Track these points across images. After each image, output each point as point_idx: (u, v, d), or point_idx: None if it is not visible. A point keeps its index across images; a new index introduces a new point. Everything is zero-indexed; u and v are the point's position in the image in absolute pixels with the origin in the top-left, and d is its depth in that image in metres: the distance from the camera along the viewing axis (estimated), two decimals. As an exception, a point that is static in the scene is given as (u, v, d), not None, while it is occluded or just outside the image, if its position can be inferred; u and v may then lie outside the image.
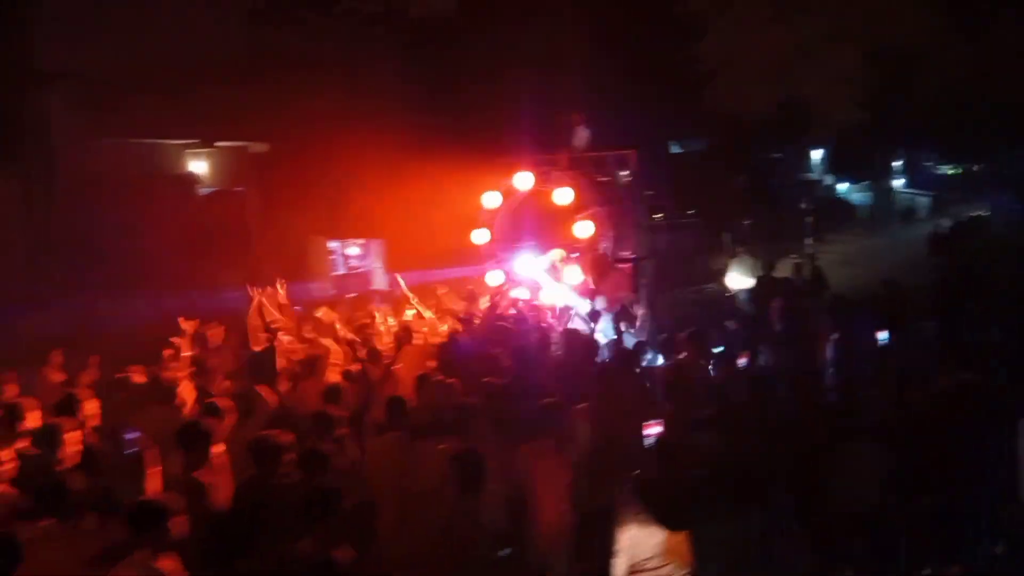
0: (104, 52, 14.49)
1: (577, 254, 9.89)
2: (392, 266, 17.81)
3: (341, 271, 18.49)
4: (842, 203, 30.86)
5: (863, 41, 13.95)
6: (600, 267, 9.39)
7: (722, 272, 11.68)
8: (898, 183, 33.34)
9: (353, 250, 19.08)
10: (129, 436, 4.11)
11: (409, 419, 4.48)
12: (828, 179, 33.85)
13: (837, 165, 33.00)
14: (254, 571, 3.11)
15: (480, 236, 10.29)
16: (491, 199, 10.19)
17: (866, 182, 34.03)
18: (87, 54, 14.37)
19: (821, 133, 24.46)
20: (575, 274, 9.70)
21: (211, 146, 16.99)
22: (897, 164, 32.51)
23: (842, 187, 34.81)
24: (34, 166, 14.56)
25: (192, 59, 15.59)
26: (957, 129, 18.08)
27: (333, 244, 18.27)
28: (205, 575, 3.04)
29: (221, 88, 15.82)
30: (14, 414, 4.70)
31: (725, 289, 11.20)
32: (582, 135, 10.98)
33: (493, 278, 9.95)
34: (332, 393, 5.06)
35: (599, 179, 10.22)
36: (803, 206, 24.65)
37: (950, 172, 30.09)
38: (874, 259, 15.95)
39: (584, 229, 9.69)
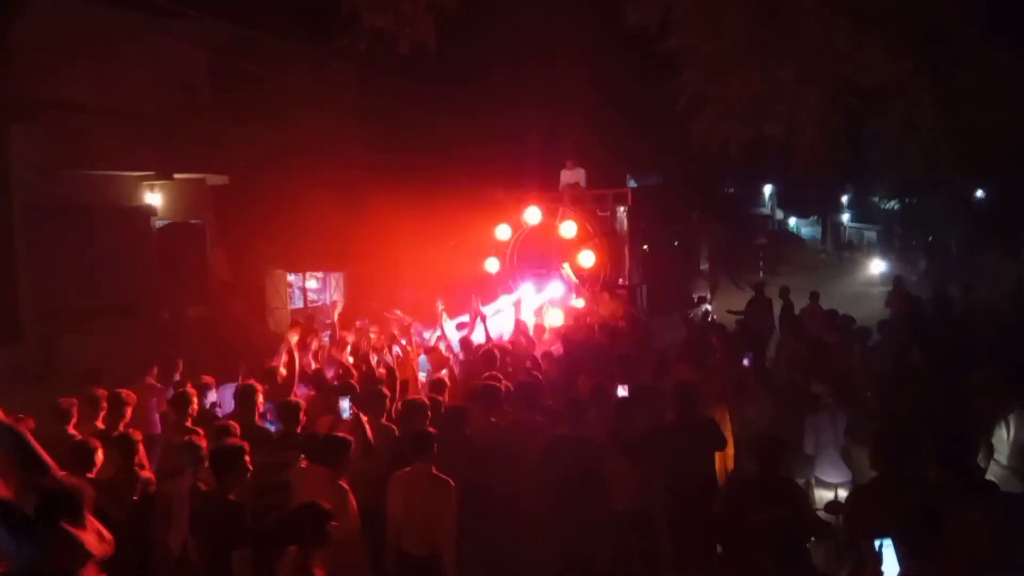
0: (63, 82, 15.06)
1: (578, 281, 11.87)
2: (352, 298, 19.10)
3: (299, 304, 19.62)
4: (793, 236, 34.19)
5: (828, 84, 16.27)
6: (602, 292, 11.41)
7: (703, 297, 13.98)
8: (845, 217, 36.97)
9: (312, 283, 20.28)
10: (345, 404, 6.13)
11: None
12: (779, 213, 37.28)
13: (786, 200, 36.36)
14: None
15: (492, 265, 12.24)
16: (502, 231, 12.17)
17: (814, 216, 37.57)
18: (46, 84, 14.83)
19: (780, 171, 27.24)
20: (579, 298, 11.72)
21: (169, 178, 17.56)
22: (844, 200, 36.11)
23: (791, 221, 38.31)
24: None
25: (152, 91, 16.51)
26: (907, 167, 20.75)
27: (292, 277, 19.54)
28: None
29: (179, 120, 16.74)
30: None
31: (707, 312, 13.42)
32: (574, 175, 13.09)
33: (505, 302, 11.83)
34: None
35: (599, 213, 12.31)
36: (761, 240, 27.57)
37: (895, 208, 33.60)
38: (829, 289, 18.30)
39: (587, 258, 11.71)
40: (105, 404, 6.50)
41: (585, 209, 12.36)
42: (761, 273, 23.04)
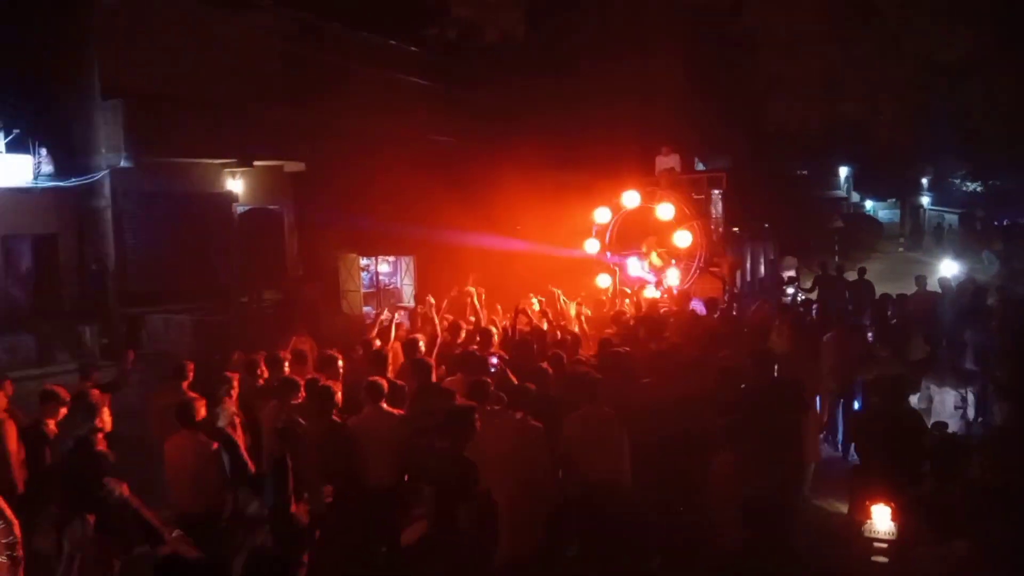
0: (150, 73, 16.41)
1: (675, 260, 13.07)
2: (421, 282, 20.30)
3: (371, 287, 20.92)
4: (870, 219, 34.72)
5: (909, 60, 17.05)
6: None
7: (792, 278, 15.08)
8: (925, 200, 37.30)
9: (384, 267, 21.59)
10: (494, 360, 7.37)
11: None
12: (854, 196, 37.80)
13: (862, 182, 36.85)
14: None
15: (592, 245, 13.48)
16: (602, 214, 13.41)
17: (892, 199, 37.94)
18: (135, 75, 16.20)
19: (856, 151, 27.80)
20: (674, 276, 12.91)
21: (249, 165, 18.82)
22: (924, 182, 36.46)
23: (868, 204, 38.78)
24: (85, 183, 16.33)
25: (232, 80, 17.80)
26: (988, 145, 21.02)
27: (365, 261, 20.89)
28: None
29: (259, 109, 18.07)
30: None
31: (796, 292, 14.52)
32: (669, 160, 14.27)
33: (603, 281, 13.10)
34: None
35: (695, 196, 13.47)
36: (837, 223, 28.30)
37: (978, 190, 33.82)
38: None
39: (683, 239, 12.88)
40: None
41: (681, 192, 13.52)
42: (836, 258, 23.78)
